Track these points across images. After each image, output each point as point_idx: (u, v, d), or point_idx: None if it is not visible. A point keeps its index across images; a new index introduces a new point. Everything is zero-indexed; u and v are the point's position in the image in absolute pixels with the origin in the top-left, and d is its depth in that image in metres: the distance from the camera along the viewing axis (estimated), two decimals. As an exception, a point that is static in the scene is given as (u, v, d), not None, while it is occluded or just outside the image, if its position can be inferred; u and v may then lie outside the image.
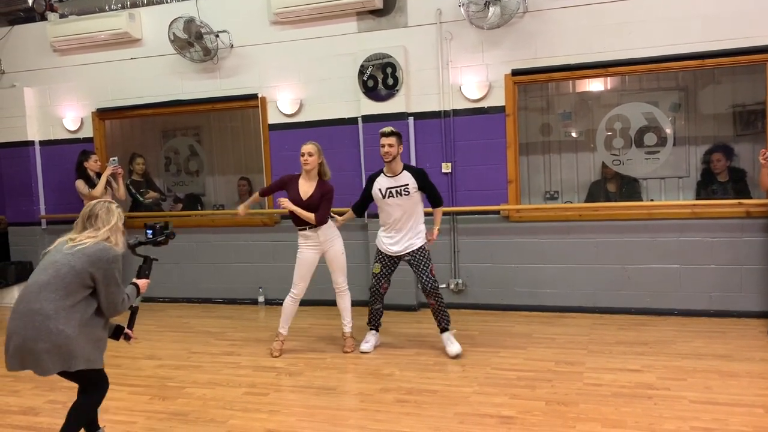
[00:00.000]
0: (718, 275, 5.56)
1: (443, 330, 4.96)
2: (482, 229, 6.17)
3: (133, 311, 3.51)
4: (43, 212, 7.70)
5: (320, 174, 5.05)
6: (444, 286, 6.31)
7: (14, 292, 7.48)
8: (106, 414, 4.02)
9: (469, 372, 4.48)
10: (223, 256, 7.06)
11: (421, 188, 4.91)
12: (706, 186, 6.20)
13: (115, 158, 6.91)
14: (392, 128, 4.86)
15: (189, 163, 8.44)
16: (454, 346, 4.85)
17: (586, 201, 6.54)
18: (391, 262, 5.03)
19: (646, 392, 3.94)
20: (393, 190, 4.88)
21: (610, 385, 4.09)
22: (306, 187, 4.99)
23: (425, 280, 4.87)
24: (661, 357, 4.58)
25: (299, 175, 5.08)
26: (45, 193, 7.70)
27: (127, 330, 3.44)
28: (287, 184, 5.09)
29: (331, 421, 3.77)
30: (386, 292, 5.11)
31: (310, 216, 4.89)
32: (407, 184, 4.86)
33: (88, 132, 7.48)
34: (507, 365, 4.58)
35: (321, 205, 4.93)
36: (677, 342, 4.92)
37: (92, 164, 6.89)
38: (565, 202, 6.78)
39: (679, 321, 5.51)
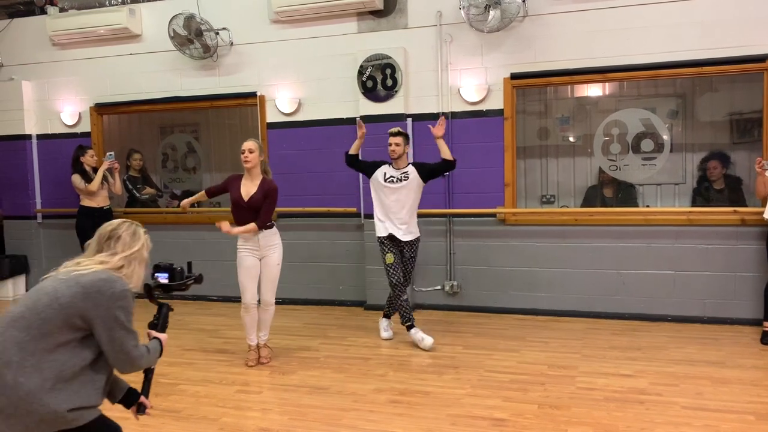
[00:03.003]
0: (712, 282, 5.58)
1: (386, 316, 5.50)
2: (478, 231, 6.18)
3: (148, 375, 2.64)
4: (38, 206, 7.68)
5: (264, 172, 4.83)
6: (439, 288, 6.33)
7: (8, 286, 7.47)
8: (99, 409, 4.02)
9: (462, 374, 4.49)
10: (218, 254, 7.04)
11: (423, 173, 5.19)
12: (702, 193, 6.23)
13: (112, 153, 6.90)
14: (399, 128, 5.22)
15: (186, 160, 8.43)
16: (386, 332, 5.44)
17: (583, 206, 6.56)
18: (400, 249, 5.28)
19: (638, 397, 3.95)
20: (394, 177, 5.18)
21: (603, 389, 4.10)
22: (248, 187, 4.76)
23: (410, 274, 5.37)
24: (654, 362, 4.59)
25: (241, 175, 4.86)
26: (41, 187, 7.69)
27: (142, 398, 2.59)
28: (230, 185, 4.84)
29: (324, 421, 3.78)
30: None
31: (251, 228, 4.65)
32: (407, 171, 5.18)
33: (85, 127, 7.47)
34: (500, 368, 4.59)
35: (263, 208, 4.70)
36: (670, 348, 4.94)
37: (88, 159, 6.89)
38: (562, 207, 6.80)
39: (673, 327, 5.53)
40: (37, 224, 7.69)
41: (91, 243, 2.48)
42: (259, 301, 4.90)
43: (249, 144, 4.79)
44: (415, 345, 5.14)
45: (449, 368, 4.62)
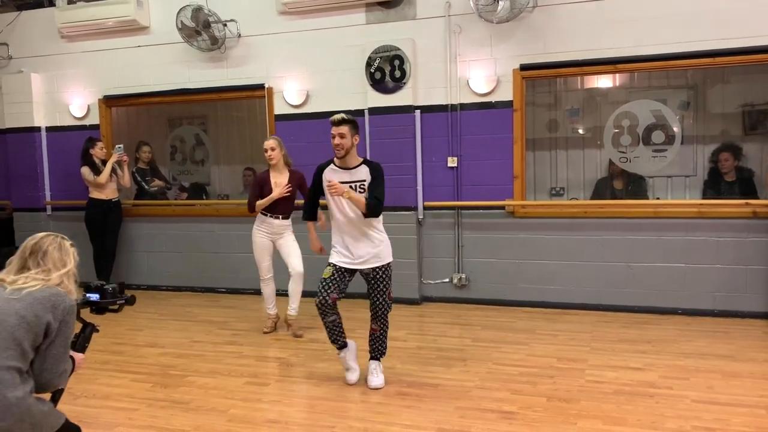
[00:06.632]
0: (723, 275, 5.54)
1: (377, 357, 4.23)
2: (487, 224, 6.15)
3: (56, 395, 2.55)
4: (48, 198, 7.72)
5: (287, 164, 5.30)
6: (447, 280, 6.31)
7: (18, 278, 7.50)
8: (108, 401, 4.04)
9: (470, 366, 4.48)
10: (227, 246, 7.06)
11: (372, 180, 4.02)
12: (713, 185, 6.17)
13: (121, 146, 6.92)
14: (344, 115, 4.02)
15: (194, 152, 8.44)
16: (377, 378, 4.16)
17: (592, 198, 6.52)
18: (342, 273, 4.09)
19: (648, 391, 3.92)
20: (346, 186, 3.98)
21: (612, 382, 4.08)
22: (280, 179, 5.21)
23: (380, 302, 4.09)
24: (664, 356, 4.56)
25: (267, 171, 5.28)
26: (50, 180, 7.72)
27: None
28: (263, 184, 5.23)
29: (332, 413, 3.77)
30: (336, 303, 4.06)
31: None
32: (364, 180, 4.01)
33: (94, 119, 7.48)
34: (509, 360, 4.57)
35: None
36: (680, 341, 4.91)
37: (98, 151, 6.90)
38: (571, 199, 6.76)
39: (683, 320, 5.49)
40: (46, 216, 7.72)
41: (14, 258, 2.44)
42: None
43: (270, 143, 5.21)
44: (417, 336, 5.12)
45: (458, 361, 4.61)
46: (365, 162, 4.10)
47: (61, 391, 2.54)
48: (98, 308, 2.80)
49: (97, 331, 2.77)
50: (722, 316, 5.52)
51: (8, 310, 2.23)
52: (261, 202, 5.19)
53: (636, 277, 5.77)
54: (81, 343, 2.68)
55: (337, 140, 3.97)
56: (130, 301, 2.88)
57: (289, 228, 5.36)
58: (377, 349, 4.21)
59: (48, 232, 2.53)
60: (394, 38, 6.16)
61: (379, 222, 4.09)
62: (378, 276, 4.07)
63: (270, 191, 5.18)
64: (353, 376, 4.20)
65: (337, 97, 6.47)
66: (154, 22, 7.11)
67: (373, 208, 3.92)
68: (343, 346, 4.20)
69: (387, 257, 4.09)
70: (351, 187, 3.99)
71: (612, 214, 5.85)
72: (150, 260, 7.44)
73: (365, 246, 4.03)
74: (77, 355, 2.58)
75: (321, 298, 4.01)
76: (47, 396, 2.46)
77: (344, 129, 3.97)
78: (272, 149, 5.18)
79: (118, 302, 2.83)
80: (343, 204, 4.01)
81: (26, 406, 2.20)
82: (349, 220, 4.02)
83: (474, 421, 3.58)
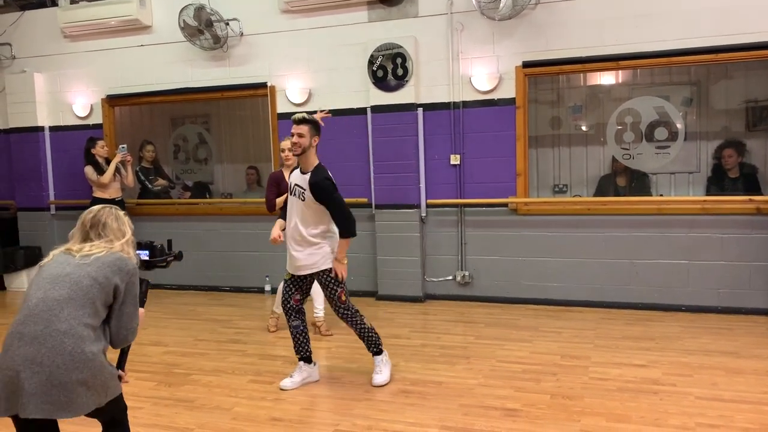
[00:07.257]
0: (727, 272, 5.53)
1: (375, 353, 4.22)
2: (490, 221, 6.15)
3: (125, 349, 2.77)
4: (52, 198, 7.74)
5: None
6: (450, 278, 6.32)
7: (23, 277, 7.54)
8: (113, 399, 4.05)
9: (474, 364, 4.48)
10: (231, 245, 7.08)
11: (319, 201, 3.93)
12: (717, 182, 6.16)
13: (124, 146, 6.92)
14: (305, 115, 3.98)
15: (198, 151, 8.45)
16: (380, 376, 4.17)
17: (595, 195, 6.51)
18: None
19: (651, 387, 3.92)
20: (296, 189, 4.03)
21: (616, 379, 4.08)
22: None
23: (334, 308, 4.11)
24: (668, 353, 4.56)
25: (280, 171, 5.28)
26: (54, 179, 7.74)
27: (120, 372, 2.67)
28: (280, 183, 5.18)
29: (336, 411, 3.78)
30: (300, 305, 4.17)
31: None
32: (304, 190, 3.95)
33: (97, 118, 7.50)
34: (512, 358, 4.57)
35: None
36: (684, 338, 4.90)
37: (99, 150, 6.90)
38: (574, 196, 6.75)
39: (687, 317, 5.49)
40: (50, 216, 7.74)
41: (75, 232, 2.62)
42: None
43: (287, 143, 5.11)
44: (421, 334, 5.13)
45: (461, 358, 4.61)
46: (314, 171, 3.95)
47: (129, 347, 2.73)
48: (148, 265, 2.97)
49: (150, 284, 2.90)
50: (726, 312, 5.52)
51: (81, 273, 2.43)
52: (281, 199, 5.16)
53: (639, 274, 5.77)
54: (140, 298, 2.83)
55: (295, 139, 3.95)
56: (179, 256, 3.07)
57: None
58: (368, 345, 4.20)
59: (102, 205, 2.71)
60: (397, 36, 6.16)
61: (316, 231, 4.00)
62: (321, 283, 4.09)
63: (287, 188, 5.10)
64: (287, 382, 4.17)
65: (339, 95, 6.48)
66: (156, 21, 7.12)
67: (349, 232, 3.98)
68: (305, 359, 4.21)
69: (322, 265, 4.03)
70: (292, 189, 4.06)
71: (615, 211, 5.85)
72: (154, 259, 7.44)
73: (298, 252, 4.03)
74: (141, 311, 2.74)
75: (283, 299, 4.18)
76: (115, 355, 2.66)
77: (304, 129, 3.93)
78: (290, 150, 5.15)
79: (167, 259, 3.02)
80: (292, 207, 4.08)
81: (100, 361, 2.39)
82: (293, 223, 4.06)
83: (477, 419, 3.58)
